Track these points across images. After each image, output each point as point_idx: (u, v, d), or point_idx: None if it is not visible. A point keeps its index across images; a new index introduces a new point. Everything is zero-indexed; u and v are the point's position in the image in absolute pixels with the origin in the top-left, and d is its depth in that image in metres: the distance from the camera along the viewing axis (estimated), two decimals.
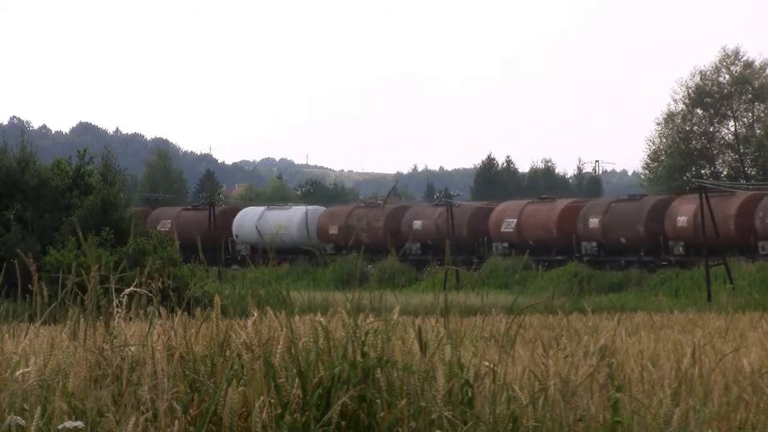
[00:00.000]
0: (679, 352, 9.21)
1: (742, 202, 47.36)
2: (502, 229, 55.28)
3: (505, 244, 54.55)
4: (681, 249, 48.70)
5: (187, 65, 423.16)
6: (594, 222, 52.15)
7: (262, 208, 64.82)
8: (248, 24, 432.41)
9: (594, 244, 51.91)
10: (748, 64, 72.30)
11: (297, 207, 66.53)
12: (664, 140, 72.64)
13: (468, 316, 11.35)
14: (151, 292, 6.33)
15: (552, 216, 53.59)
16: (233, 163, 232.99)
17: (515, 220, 54.98)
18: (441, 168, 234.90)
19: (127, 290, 6.09)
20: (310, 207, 65.59)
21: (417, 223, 58.09)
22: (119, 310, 6.02)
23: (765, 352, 9.82)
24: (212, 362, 5.94)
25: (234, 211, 65.44)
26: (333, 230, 60.09)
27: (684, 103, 72.42)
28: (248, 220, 62.92)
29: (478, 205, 61.51)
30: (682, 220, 48.83)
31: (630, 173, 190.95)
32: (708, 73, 72.49)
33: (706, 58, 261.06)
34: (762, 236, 46.57)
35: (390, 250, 53.43)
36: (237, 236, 62.45)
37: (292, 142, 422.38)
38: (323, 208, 64.63)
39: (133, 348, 5.84)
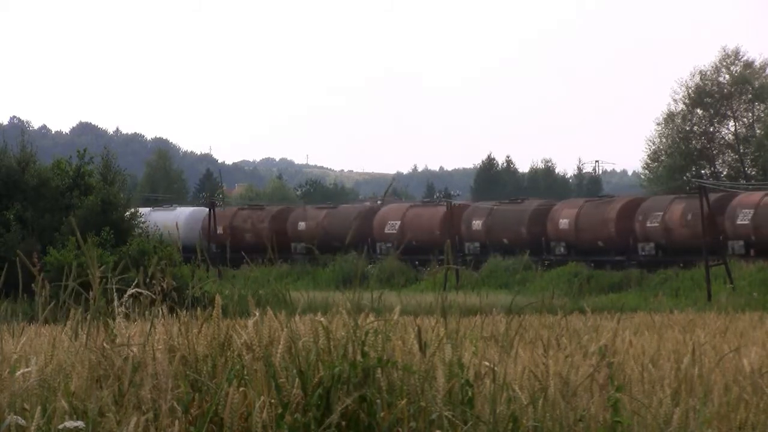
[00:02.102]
0: (679, 352, 9.22)
1: (622, 206, 51.26)
2: (386, 231, 58.78)
3: (389, 245, 57.86)
4: (562, 249, 52.49)
5: (187, 65, 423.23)
6: (477, 224, 56.14)
7: (147, 209, 65.18)
8: (248, 24, 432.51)
9: (477, 244, 55.68)
10: (748, 64, 72.31)
11: (182, 208, 67.72)
12: (664, 140, 72.64)
13: (468, 316, 11.36)
14: (153, 292, 6.34)
15: (435, 218, 57.13)
16: (233, 163, 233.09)
17: (399, 222, 58.71)
18: (441, 168, 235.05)
19: (130, 291, 6.09)
20: (195, 208, 67.74)
21: (302, 225, 61.03)
22: (121, 310, 6.03)
23: (765, 352, 9.82)
24: (213, 362, 5.95)
25: None
26: (219, 230, 61.50)
27: (684, 103, 72.45)
28: None
29: (362, 207, 65.36)
30: (564, 222, 52.88)
31: (630, 173, 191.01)
32: (708, 73, 72.54)
33: (706, 58, 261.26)
34: (641, 238, 49.92)
35: (273, 250, 54.78)
36: None
37: (292, 142, 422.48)
38: (207, 210, 66.70)
39: (134, 348, 5.84)
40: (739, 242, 46.78)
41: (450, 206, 55.74)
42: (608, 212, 51.44)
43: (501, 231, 54.92)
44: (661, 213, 49.58)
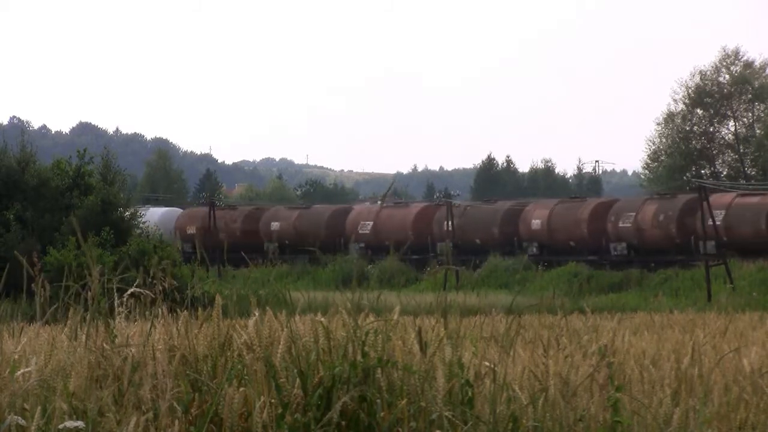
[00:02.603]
0: (679, 352, 9.21)
1: (594, 207, 52.88)
2: (359, 231, 59.91)
3: (362, 245, 58.88)
4: (534, 249, 53.90)
5: (187, 65, 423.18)
6: (450, 225, 56.79)
7: None
8: (248, 24, 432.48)
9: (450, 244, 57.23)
10: (748, 64, 72.29)
11: (154, 208, 68.60)
12: (664, 140, 72.63)
13: (468, 316, 11.36)
14: (153, 292, 6.33)
15: (407, 219, 58.52)
16: (233, 163, 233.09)
17: (371, 223, 60.01)
18: (441, 168, 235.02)
19: (130, 290, 6.09)
20: (168, 209, 69.38)
21: (275, 225, 61.81)
22: (121, 310, 6.03)
23: (765, 352, 9.82)
24: (213, 362, 5.94)
25: None
26: (191, 230, 62.45)
27: (684, 103, 72.44)
28: None
29: (335, 207, 66.44)
30: (536, 223, 54.36)
31: (630, 173, 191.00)
32: (708, 73, 72.54)
33: (706, 58, 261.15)
34: (613, 238, 51.32)
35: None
36: None
37: (292, 142, 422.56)
38: (180, 210, 68.45)
39: (134, 348, 5.84)
40: (711, 242, 47.56)
41: (450, 206, 56.17)
42: (580, 213, 52.84)
43: (473, 231, 56.06)
44: (634, 214, 50.85)
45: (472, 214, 57.23)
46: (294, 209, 64.29)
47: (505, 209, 56.56)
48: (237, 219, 62.67)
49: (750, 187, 55.37)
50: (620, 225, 51.50)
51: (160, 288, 6.41)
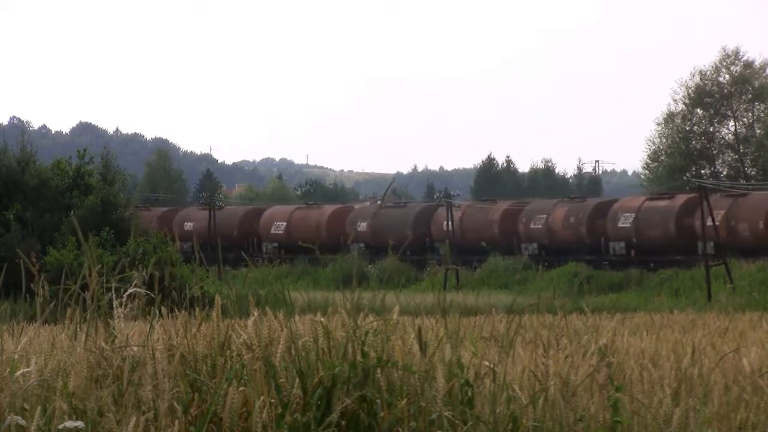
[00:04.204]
0: (679, 353, 9.21)
1: (506, 209, 56.44)
2: (272, 231, 62.30)
3: (275, 244, 61.27)
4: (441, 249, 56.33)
5: (187, 65, 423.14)
6: (363, 225, 60.19)
7: None
8: (248, 24, 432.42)
9: (362, 245, 58.89)
10: (748, 64, 72.26)
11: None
12: (664, 140, 72.59)
13: (468, 316, 11.36)
14: (152, 292, 6.33)
15: (321, 219, 61.39)
16: (233, 163, 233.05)
17: (285, 223, 62.48)
18: (441, 168, 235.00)
19: (128, 290, 6.08)
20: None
21: (188, 225, 64.03)
22: (120, 310, 6.02)
23: (765, 352, 9.81)
24: (213, 362, 5.94)
25: None
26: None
27: (684, 103, 72.40)
28: None
29: (248, 208, 68.84)
30: (445, 224, 56.48)
31: (630, 173, 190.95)
32: (708, 73, 72.49)
33: (706, 58, 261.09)
34: (524, 239, 54.94)
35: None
36: None
37: (292, 142, 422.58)
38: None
39: (134, 348, 5.84)
40: (621, 243, 50.88)
41: (450, 206, 56.57)
42: (492, 214, 56.08)
43: (386, 232, 58.23)
44: (545, 216, 54.48)
45: (385, 216, 59.86)
46: (205, 209, 65.44)
47: (416, 211, 59.75)
48: (152, 219, 62.93)
49: (750, 187, 55.37)
50: (531, 226, 54.83)
51: (159, 288, 6.41)
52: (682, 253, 47.96)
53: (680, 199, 49.99)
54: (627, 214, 50.77)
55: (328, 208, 63.71)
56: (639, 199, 53.07)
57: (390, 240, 56.61)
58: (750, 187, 55.36)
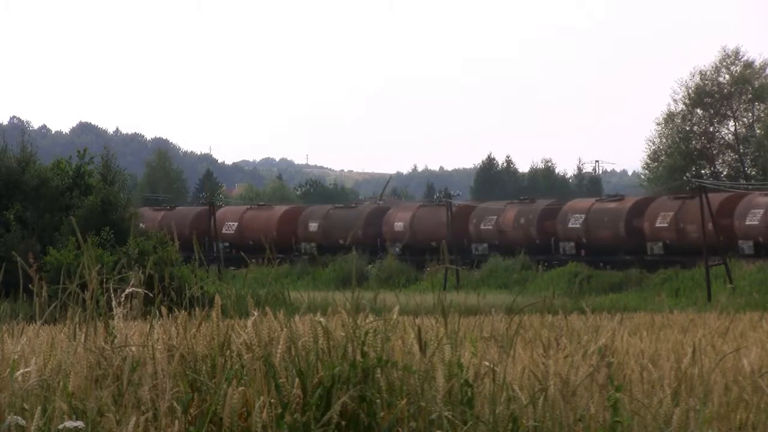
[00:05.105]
0: (679, 353, 9.20)
1: (455, 211, 57.32)
2: (224, 231, 63.45)
3: (226, 244, 62.22)
4: (398, 249, 58.05)
5: (187, 65, 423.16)
6: (313, 226, 61.43)
7: None
8: (248, 24, 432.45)
9: (313, 244, 60.92)
10: (748, 64, 72.23)
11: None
12: (664, 140, 72.56)
13: (468, 316, 11.35)
14: (151, 291, 6.33)
15: (272, 220, 62.53)
16: (233, 163, 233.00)
17: (236, 223, 63.96)
18: (441, 168, 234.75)
19: (127, 290, 6.08)
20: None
21: (141, 226, 63.98)
22: (120, 310, 6.02)
23: (765, 352, 9.81)
24: (213, 362, 5.94)
25: None
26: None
27: (684, 103, 72.37)
28: None
29: (200, 208, 69.34)
30: (399, 225, 59.09)
31: (630, 173, 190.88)
32: (708, 73, 72.46)
33: (706, 58, 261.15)
34: (475, 239, 56.77)
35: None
36: None
37: (292, 142, 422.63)
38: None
39: (133, 348, 5.83)
40: (570, 243, 52.92)
41: (450, 206, 56.69)
42: (442, 216, 57.21)
43: (337, 232, 59.48)
44: (495, 217, 56.42)
45: (337, 217, 61.28)
46: (159, 210, 67.18)
47: (368, 212, 61.28)
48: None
49: (750, 186, 55.39)
50: (482, 227, 56.63)
51: (159, 287, 6.41)
52: (631, 254, 50.34)
53: (629, 201, 52.61)
54: (577, 215, 52.78)
55: (280, 209, 65.10)
56: (589, 201, 55.71)
57: (340, 240, 57.76)
58: (750, 187, 55.38)
